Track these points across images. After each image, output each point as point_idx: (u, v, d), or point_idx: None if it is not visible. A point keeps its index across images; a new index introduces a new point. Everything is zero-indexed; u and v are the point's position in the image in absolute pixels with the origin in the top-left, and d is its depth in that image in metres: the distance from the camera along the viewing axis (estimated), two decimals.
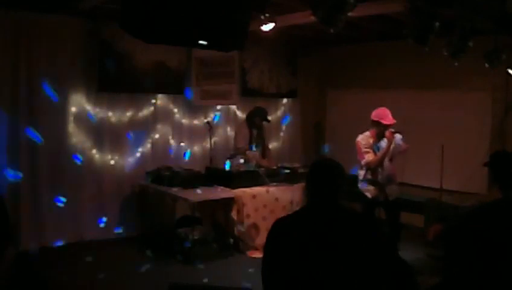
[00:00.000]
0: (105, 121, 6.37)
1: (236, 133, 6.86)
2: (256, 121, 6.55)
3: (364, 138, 5.00)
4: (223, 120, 7.56)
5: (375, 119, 4.95)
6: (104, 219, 6.31)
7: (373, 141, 4.99)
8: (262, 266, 2.31)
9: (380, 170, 5.01)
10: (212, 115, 7.37)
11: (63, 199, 5.97)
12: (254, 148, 6.46)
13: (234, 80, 7.50)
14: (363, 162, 4.97)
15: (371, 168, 4.98)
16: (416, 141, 7.25)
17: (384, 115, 4.93)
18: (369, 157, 4.92)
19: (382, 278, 2.14)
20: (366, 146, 4.95)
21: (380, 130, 4.93)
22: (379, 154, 4.94)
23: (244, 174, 6.02)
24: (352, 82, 8.02)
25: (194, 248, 5.51)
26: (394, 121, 4.93)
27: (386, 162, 5.03)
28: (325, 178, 2.30)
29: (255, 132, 6.57)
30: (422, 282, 4.71)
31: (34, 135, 5.68)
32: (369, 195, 5.03)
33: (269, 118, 6.81)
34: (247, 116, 6.72)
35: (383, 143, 4.97)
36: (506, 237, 2.62)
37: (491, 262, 2.61)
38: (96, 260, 5.50)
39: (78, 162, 6.11)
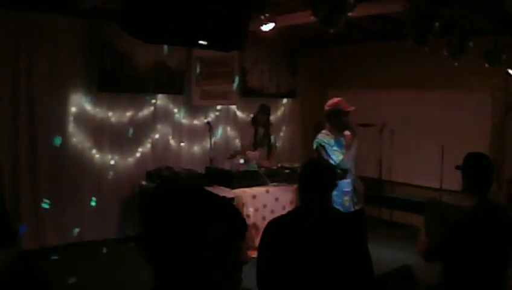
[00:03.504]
0: (105, 121, 6.37)
1: (241, 132, 6.90)
2: (258, 118, 6.55)
3: (324, 137, 4.43)
4: (223, 120, 7.57)
5: (334, 108, 4.38)
6: (104, 219, 6.31)
7: (334, 137, 4.41)
8: (257, 266, 2.32)
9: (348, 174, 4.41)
10: (212, 115, 7.39)
11: (63, 199, 5.97)
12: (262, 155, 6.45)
13: (234, 80, 7.50)
14: (334, 162, 4.32)
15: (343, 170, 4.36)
16: (416, 141, 7.29)
17: (341, 102, 4.40)
18: (338, 156, 4.34)
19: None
20: (330, 145, 4.37)
21: (340, 120, 4.37)
22: (348, 150, 4.37)
23: (244, 174, 6.02)
24: (352, 82, 8.01)
25: None
26: (354, 108, 4.41)
27: (351, 166, 4.47)
28: (316, 179, 2.32)
29: (261, 130, 6.57)
30: (422, 282, 4.72)
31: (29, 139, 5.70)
32: (340, 208, 4.25)
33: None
34: (253, 116, 6.76)
35: (343, 140, 4.40)
36: (490, 244, 2.61)
37: (476, 270, 2.60)
38: (96, 260, 5.50)
39: (78, 163, 6.11)
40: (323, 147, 4.40)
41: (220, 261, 1.13)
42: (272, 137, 6.75)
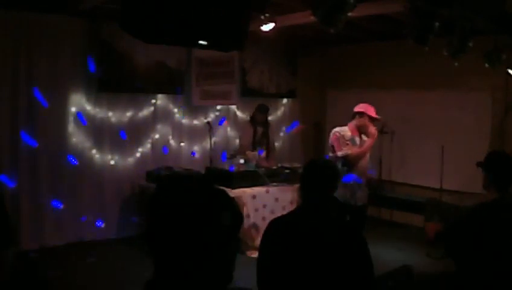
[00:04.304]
0: (105, 121, 6.37)
1: (241, 132, 6.91)
2: (257, 117, 6.54)
3: (342, 130, 4.76)
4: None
5: (361, 110, 4.73)
6: (104, 219, 6.31)
7: (351, 135, 4.72)
8: (257, 265, 2.32)
9: (355, 170, 4.67)
10: (212, 115, 7.40)
11: (63, 199, 5.97)
12: (262, 152, 6.45)
13: (234, 80, 7.51)
14: (340, 153, 4.62)
15: (347, 165, 4.62)
16: (416, 141, 7.29)
17: (370, 108, 4.75)
18: (348, 148, 4.60)
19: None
20: (344, 138, 4.68)
21: (364, 122, 4.70)
22: (361, 148, 4.65)
23: (244, 174, 6.02)
24: (352, 82, 8.02)
25: None
26: (380, 117, 4.78)
27: (362, 163, 4.74)
28: (318, 179, 2.32)
29: (259, 129, 6.56)
30: (422, 282, 4.72)
31: (29, 139, 5.68)
32: (340, 199, 4.48)
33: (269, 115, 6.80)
34: (251, 115, 6.78)
35: (358, 140, 4.73)
36: (503, 237, 2.64)
37: (489, 261, 2.63)
38: (96, 260, 5.50)
39: (78, 163, 6.11)
40: (338, 137, 4.69)
41: (223, 250, 1.17)
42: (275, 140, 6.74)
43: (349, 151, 4.61)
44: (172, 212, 1.14)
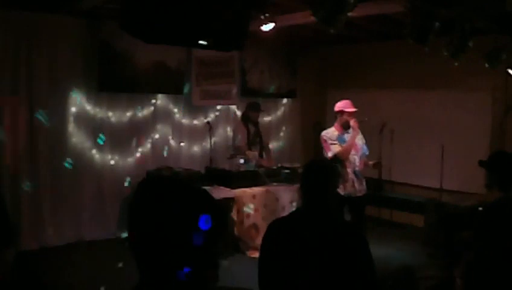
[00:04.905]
0: (105, 121, 6.37)
1: (234, 132, 6.86)
2: (250, 116, 6.48)
3: (328, 132, 5.08)
4: (222, 120, 7.56)
5: (338, 109, 5.06)
6: (104, 219, 6.31)
7: (338, 134, 5.04)
8: (258, 266, 2.33)
9: (348, 164, 4.97)
10: (212, 115, 7.39)
11: (63, 199, 5.97)
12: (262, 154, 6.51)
13: (234, 80, 7.51)
14: (329, 154, 4.96)
15: (340, 162, 4.89)
16: (416, 141, 7.29)
17: (346, 104, 5.05)
18: (335, 148, 4.93)
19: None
20: (331, 139, 5.00)
21: (344, 119, 5.01)
22: (346, 144, 4.97)
23: (244, 174, 6.02)
24: (353, 82, 8.02)
25: None
26: (356, 109, 5.03)
27: (355, 157, 5.02)
28: (318, 179, 2.32)
29: (252, 128, 6.52)
30: (422, 281, 4.72)
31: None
32: (341, 192, 4.75)
33: (262, 109, 6.67)
34: (242, 114, 6.73)
35: (347, 136, 5.02)
36: (509, 237, 2.64)
37: (497, 262, 2.63)
38: (96, 260, 5.50)
39: (78, 163, 6.11)
40: (325, 140, 5.02)
41: (207, 253, 1.15)
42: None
43: (337, 149, 4.92)
44: (150, 217, 1.11)
